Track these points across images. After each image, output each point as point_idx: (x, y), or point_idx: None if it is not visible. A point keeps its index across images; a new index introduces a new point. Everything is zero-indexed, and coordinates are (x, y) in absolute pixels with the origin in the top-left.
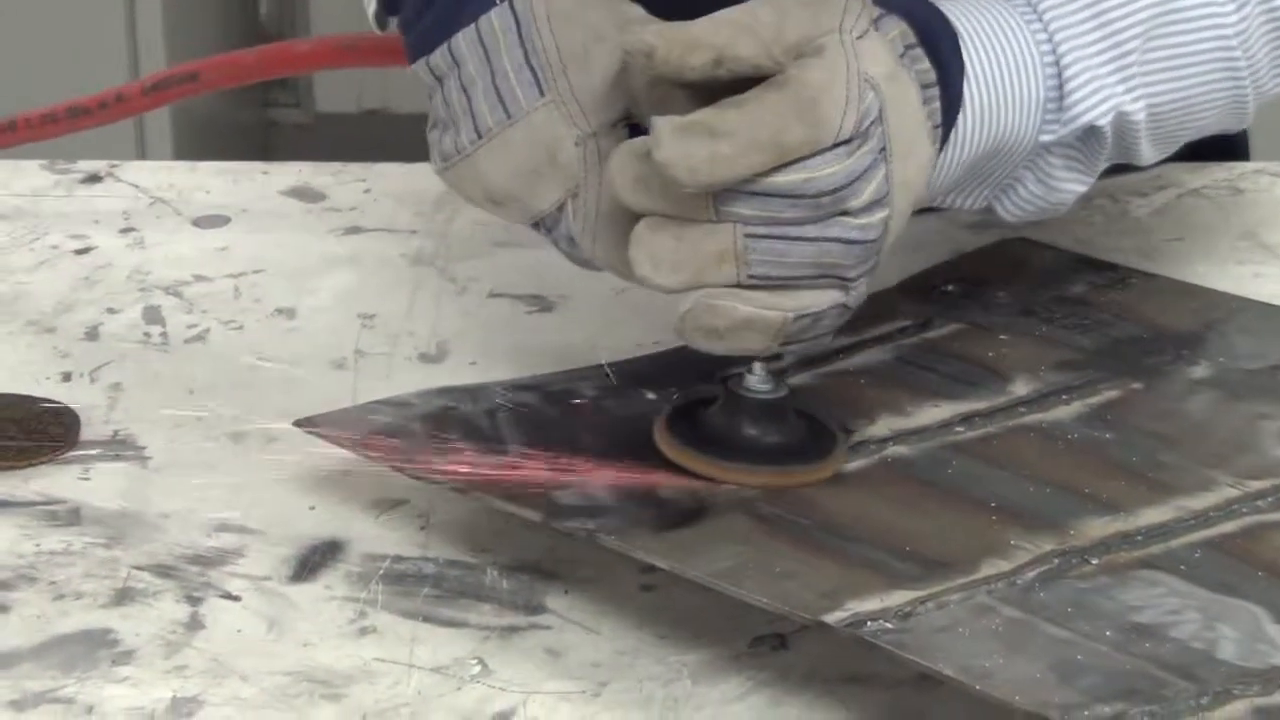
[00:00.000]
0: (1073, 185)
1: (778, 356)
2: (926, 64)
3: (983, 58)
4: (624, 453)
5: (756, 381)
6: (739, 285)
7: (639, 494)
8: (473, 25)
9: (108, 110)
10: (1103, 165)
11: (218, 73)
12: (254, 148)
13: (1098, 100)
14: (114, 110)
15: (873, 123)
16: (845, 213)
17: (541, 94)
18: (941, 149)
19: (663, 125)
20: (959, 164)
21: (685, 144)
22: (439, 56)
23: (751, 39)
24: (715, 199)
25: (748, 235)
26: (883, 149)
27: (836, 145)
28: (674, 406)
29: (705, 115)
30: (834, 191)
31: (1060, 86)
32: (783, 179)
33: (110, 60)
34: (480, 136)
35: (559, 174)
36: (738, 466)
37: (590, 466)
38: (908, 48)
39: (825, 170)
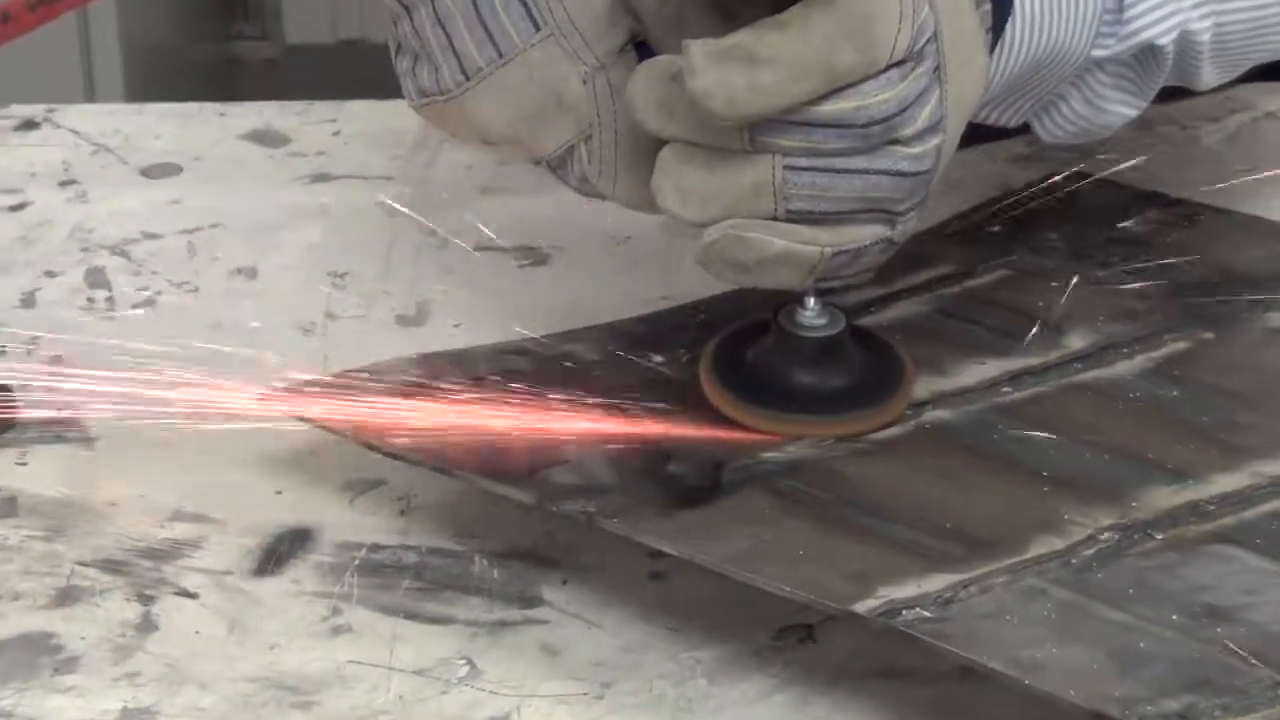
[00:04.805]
0: (1121, 108)
1: (830, 290)
2: None
3: None
4: (636, 415)
5: (810, 316)
6: (775, 218)
7: (644, 471)
8: None
9: None
10: (1157, 88)
11: None
12: (216, 87)
13: (1161, 16)
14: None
15: (928, 40)
16: (896, 141)
17: (537, 28)
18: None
19: (697, 51)
20: (1003, 76)
21: (723, 72)
22: None
23: None
24: (752, 128)
25: (788, 168)
26: (937, 68)
27: (889, 68)
28: (719, 343)
29: (744, 38)
30: (886, 120)
31: None
32: (830, 108)
33: None
34: (468, 78)
35: (567, 116)
36: (798, 418)
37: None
38: None
39: (878, 97)
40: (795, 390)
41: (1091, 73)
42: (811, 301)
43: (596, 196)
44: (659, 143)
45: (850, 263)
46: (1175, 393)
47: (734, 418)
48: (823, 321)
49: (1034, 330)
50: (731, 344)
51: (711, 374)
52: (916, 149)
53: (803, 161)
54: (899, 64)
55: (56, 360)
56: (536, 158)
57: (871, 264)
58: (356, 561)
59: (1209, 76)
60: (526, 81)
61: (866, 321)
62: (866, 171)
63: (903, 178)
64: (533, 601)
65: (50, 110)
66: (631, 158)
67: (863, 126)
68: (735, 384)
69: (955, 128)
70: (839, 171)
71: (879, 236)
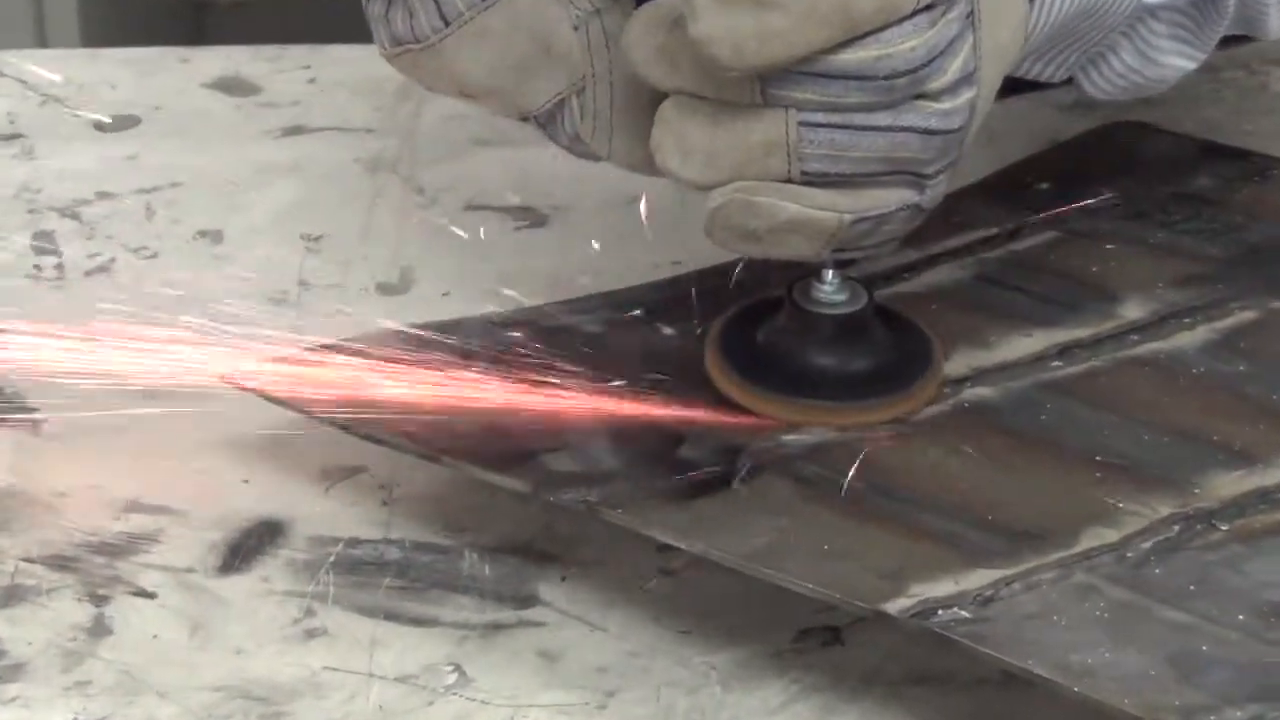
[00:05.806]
0: (1177, 60)
1: (850, 261)
2: None
3: None
4: (644, 395)
5: (828, 291)
6: (789, 180)
7: (652, 456)
8: None
9: None
10: (1218, 37)
11: None
12: (182, 32)
13: None
14: None
15: None
16: (924, 95)
17: None
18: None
19: None
20: (1046, 25)
21: (730, 16)
22: None
23: None
24: (763, 79)
25: (803, 124)
26: (970, 13)
27: (916, 13)
28: (726, 321)
29: None
30: (912, 71)
31: None
32: (849, 57)
33: None
34: (448, 23)
35: (556, 67)
36: (812, 404)
37: (605, 409)
38: None
39: (903, 45)
40: (810, 373)
41: (1144, 21)
42: (829, 274)
43: (589, 156)
44: (659, 96)
45: (872, 231)
46: (1242, 367)
47: (741, 403)
48: (842, 297)
49: (1086, 298)
50: (740, 323)
51: (718, 356)
52: (946, 104)
53: (819, 117)
54: (927, 8)
55: None
56: (522, 113)
57: (896, 233)
58: (333, 557)
59: (1278, 24)
60: (512, 27)
61: (900, 289)
62: (891, 129)
63: (931, 136)
64: (528, 601)
65: None
66: (628, 112)
67: (886, 78)
68: (744, 366)
69: (991, 81)
70: (860, 129)
71: (905, 202)
